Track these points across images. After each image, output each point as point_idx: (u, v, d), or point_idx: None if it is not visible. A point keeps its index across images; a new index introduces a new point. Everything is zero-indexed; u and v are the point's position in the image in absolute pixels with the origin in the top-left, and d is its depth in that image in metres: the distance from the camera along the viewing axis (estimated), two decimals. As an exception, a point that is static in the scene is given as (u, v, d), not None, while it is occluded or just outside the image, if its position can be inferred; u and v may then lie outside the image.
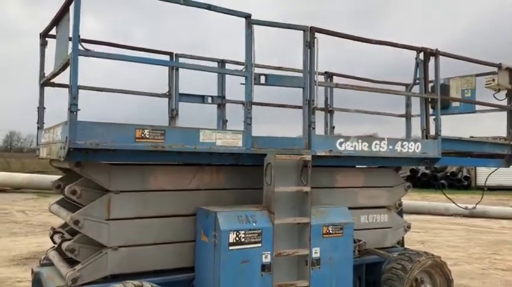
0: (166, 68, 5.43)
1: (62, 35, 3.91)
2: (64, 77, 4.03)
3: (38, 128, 4.58)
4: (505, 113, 6.01)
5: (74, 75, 3.20)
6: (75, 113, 3.19)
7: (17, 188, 19.92)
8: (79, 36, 3.23)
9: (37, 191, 19.25)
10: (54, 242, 4.20)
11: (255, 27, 3.94)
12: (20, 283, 6.13)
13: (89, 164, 3.53)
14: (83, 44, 3.31)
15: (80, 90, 4.50)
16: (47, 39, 4.60)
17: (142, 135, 3.42)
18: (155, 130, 3.47)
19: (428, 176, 25.34)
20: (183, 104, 5.58)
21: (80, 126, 3.21)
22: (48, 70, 4.51)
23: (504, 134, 6.05)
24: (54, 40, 4.33)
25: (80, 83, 4.56)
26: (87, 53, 3.29)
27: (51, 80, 4.34)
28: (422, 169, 25.10)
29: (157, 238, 3.81)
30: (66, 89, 4.51)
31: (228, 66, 5.69)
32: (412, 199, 16.88)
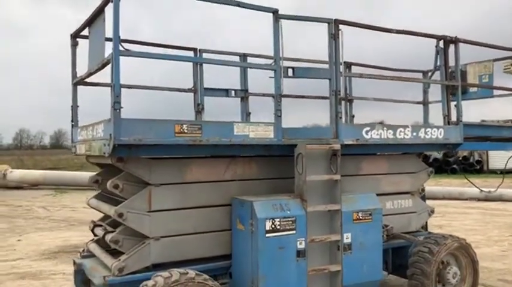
0: (190, 64, 5.56)
1: (96, 35, 4.06)
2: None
3: (73, 126, 4.74)
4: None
5: (116, 74, 3.35)
6: (118, 110, 3.35)
7: (34, 185, 20.26)
8: (119, 37, 3.38)
9: (54, 187, 19.57)
10: (95, 235, 4.38)
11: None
12: (55, 276, 6.35)
13: (130, 159, 3.69)
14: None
15: (105, 88, 4.71)
16: (77, 39, 4.77)
17: (181, 130, 3.58)
18: (193, 125, 3.63)
19: (440, 161, 25.37)
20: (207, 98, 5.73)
21: (124, 123, 3.36)
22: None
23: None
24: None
25: (103, 80, 4.77)
26: (128, 53, 3.44)
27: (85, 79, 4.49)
28: (434, 154, 25.13)
29: (195, 227, 3.97)
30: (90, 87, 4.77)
31: (249, 59, 5.83)
32: (426, 185, 16.94)
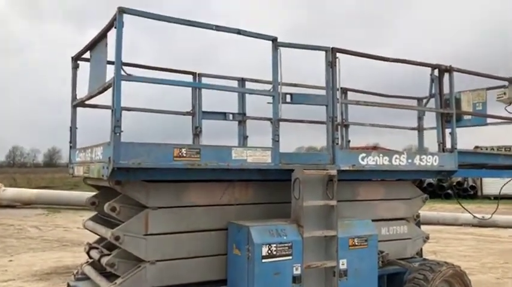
0: (189, 87, 5.63)
1: (97, 58, 4.12)
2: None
3: (71, 147, 4.77)
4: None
5: (117, 98, 3.40)
6: (118, 134, 3.38)
7: (27, 204, 20.07)
8: (122, 61, 3.44)
9: (47, 206, 19.40)
10: (90, 257, 4.35)
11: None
12: (47, 298, 6.26)
13: (128, 182, 3.71)
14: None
15: (105, 110, 4.76)
16: (78, 62, 4.83)
17: (180, 154, 3.61)
18: (192, 149, 3.67)
19: (434, 186, 25.40)
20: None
21: (123, 147, 3.40)
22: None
23: (508, 143, 6.25)
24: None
25: (103, 102, 4.81)
26: (129, 78, 3.50)
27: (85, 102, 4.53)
28: (428, 179, 25.21)
29: (191, 251, 3.97)
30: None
31: (247, 84, 5.91)
32: (420, 210, 16.96)
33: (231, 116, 5.89)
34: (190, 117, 5.64)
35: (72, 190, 22.19)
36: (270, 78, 4.14)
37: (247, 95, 5.96)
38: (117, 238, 3.65)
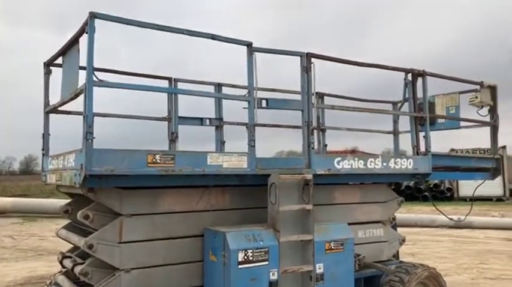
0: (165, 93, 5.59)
1: (70, 64, 4.06)
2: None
3: (44, 154, 4.67)
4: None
5: (89, 105, 3.35)
6: (90, 141, 3.33)
7: (1, 213, 19.58)
8: (93, 67, 3.39)
9: (22, 215, 18.96)
10: (64, 267, 4.27)
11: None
12: (20, 309, 6.11)
13: (101, 190, 3.65)
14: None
15: (79, 116, 4.70)
16: (50, 68, 4.75)
17: (154, 160, 3.57)
18: (166, 155, 3.63)
19: (412, 188, 25.76)
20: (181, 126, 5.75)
21: (96, 154, 3.34)
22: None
23: (482, 145, 6.38)
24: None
25: (78, 108, 4.74)
26: (101, 84, 3.45)
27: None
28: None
29: (167, 259, 3.92)
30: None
31: (224, 89, 5.91)
32: (398, 212, 17.16)
33: (207, 121, 5.87)
34: (167, 122, 5.60)
35: (49, 198, 21.76)
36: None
37: (224, 100, 5.96)
38: (90, 247, 3.59)
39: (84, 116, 3.37)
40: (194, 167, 3.76)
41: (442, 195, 26.32)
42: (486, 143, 6.60)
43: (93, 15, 3.37)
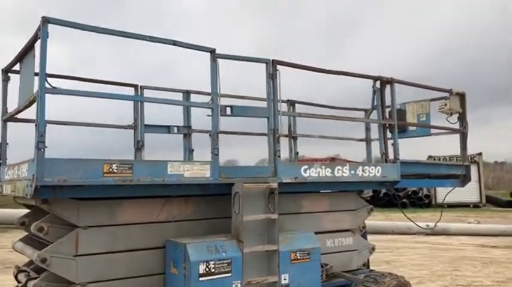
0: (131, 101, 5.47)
1: (26, 71, 3.93)
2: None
3: (0, 164, 4.51)
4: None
5: (41, 112, 3.22)
6: (42, 150, 3.20)
7: (-28, 224, 18.99)
8: (46, 73, 3.27)
9: (-7, 225, 18.43)
10: (19, 282, 4.09)
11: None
12: (-20, 325, 5.85)
13: (56, 201, 3.51)
14: (48, 79, 3.36)
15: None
16: (9, 74, 4.60)
17: (110, 169, 3.45)
18: (123, 164, 3.51)
19: (390, 195, 25.91)
20: (149, 134, 5.63)
21: (48, 163, 3.21)
22: (10, 105, 4.51)
23: (458, 152, 6.39)
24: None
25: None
26: (54, 91, 3.32)
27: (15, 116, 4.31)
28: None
29: (127, 272, 3.79)
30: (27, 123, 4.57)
31: (192, 96, 5.81)
32: (376, 219, 17.25)
33: (175, 129, 5.76)
34: (133, 131, 5.48)
35: (19, 208, 21.20)
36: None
37: (194, 108, 5.86)
38: (43, 260, 3.44)
39: (36, 125, 3.24)
40: (153, 177, 3.64)
41: (420, 202, 26.56)
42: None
43: (46, 20, 3.25)
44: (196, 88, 5.84)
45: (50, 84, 3.31)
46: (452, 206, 24.14)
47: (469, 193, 25.15)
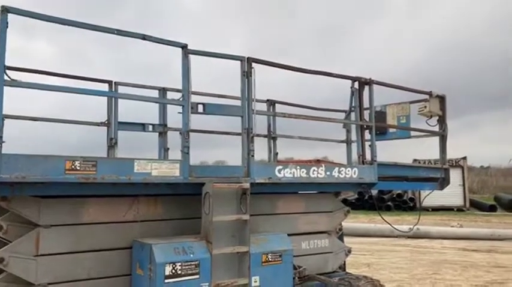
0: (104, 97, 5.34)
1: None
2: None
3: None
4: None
5: (-2, 106, 3.08)
6: (-1, 145, 3.06)
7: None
8: (5, 65, 3.13)
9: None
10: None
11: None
12: None
13: (16, 198, 3.37)
14: (9, 72, 3.23)
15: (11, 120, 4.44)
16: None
17: (73, 167, 3.32)
18: (86, 161, 3.38)
19: (375, 198, 25.96)
20: (125, 133, 5.50)
21: (5, 159, 3.07)
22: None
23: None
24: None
25: (11, 111, 4.47)
26: (13, 83, 3.19)
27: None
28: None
29: (90, 272, 3.67)
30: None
31: (169, 93, 5.70)
32: (360, 222, 17.25)
33: (150, 127, 5.64)
34: (106, 128, 5.34)
35: None
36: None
37: (169, 105, 5.74)
38: (1, 260, 3.30)
39: (-8, 119, 3.10)
40: (119, 175, 3.52)
41: (405, 205, 26.61)
42: (449, 153, 6.56)
43: (5, 9, 3.11)
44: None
45: (9, 77, 3.17)
46: (437, 209, 24.29)
47: (454, 196, 25.34)
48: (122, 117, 5.40)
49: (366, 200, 25.33)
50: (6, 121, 4.06)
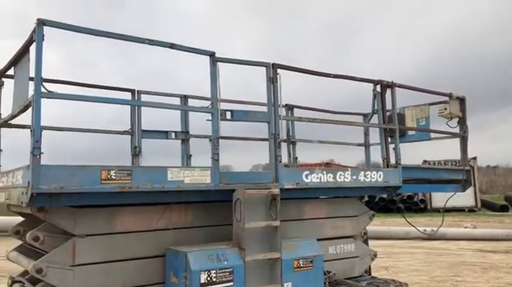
0: (128, 106, 5.38)
1: (21, 75, 3.81)
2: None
3: (-6, 171, 4.38)
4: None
5: (36, 118, 3.12)
6: (38, 156, 3.09)
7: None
8: (42, 77, 3.17)
9: (-14, 234, 18.17)
10: (14, 293, 3.96)
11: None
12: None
13: (52, 209, 3.40)
14: (44, 84, 3.26)
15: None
16: (3, 79, 4.50)
17: (109, 176, 3.34)
18: (122, 171, 3.40)
19: (386, 200, 25.90)
20: (146, 140, 5.53)
21: (44, 170, 3.10)
22: (4, 111, 4.40)
23: (452, 156, 6.34)
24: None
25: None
26: (50, 95, 3.22)
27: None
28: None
29: (125, 281, 3.68)
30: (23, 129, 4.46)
31: (190, 101, 5.73)
32: (373, 225, 17.16)
33: (173, 134, 5.67)
34: (130, 137, 5.37)
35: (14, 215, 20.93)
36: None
37: (191, 113, 5.77)
38: (39, 271, 3.32)
39: (31, 130, 3.13)
40: (153, 183, 3.54)
41: (416, 206, 26.54)
42: (458, 154, 6.56)
43: (41, 22, 3.15)
44: (194, 93, 5.78)
45: (46, 89, 3.21)
46: (448, 210, 24.17)
47: (465, 197, 25.16)
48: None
49: (376, 202, 25.28)
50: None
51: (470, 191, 26.61)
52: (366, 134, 6.75)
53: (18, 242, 4.31)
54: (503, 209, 27.39)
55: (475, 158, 26.84)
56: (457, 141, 6.42)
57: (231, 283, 3.68)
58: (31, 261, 3.48)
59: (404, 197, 26.53)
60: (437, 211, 25.13)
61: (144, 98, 5.40)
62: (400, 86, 5.33)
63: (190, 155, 5.75)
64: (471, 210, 26.22)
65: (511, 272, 9.19)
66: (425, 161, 22.48)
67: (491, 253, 11.83)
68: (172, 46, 3.74)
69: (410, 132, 6.67)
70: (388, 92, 5.27)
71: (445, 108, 6.26)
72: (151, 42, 3.66)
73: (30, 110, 3.38)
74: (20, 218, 4.33)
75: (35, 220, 3.76)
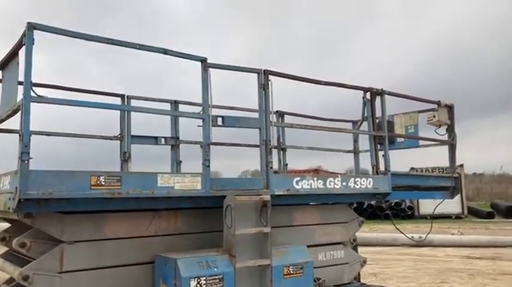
0: (118, 111, 5.34)
1: (9, 78, 3.77)
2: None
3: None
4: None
5: (25, 122, 3.08)
6: (26, 161, 3.05)
7: None
8: (31, 81, 3.13)
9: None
10: (-1, 300, 3.89)
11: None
12: None
13: (40, 215, 3.34)
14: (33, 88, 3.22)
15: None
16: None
17: (98, 182, 3.31)
18: (111, 176, 3.37)
19: (374, 207, 26.00)
20: (136, 145, 5.49)
21: (32, 175, 3.06)
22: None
23: (439, 163, 6.39)
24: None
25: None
26: (40, 100, 3.19)
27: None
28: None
29: None
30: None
31: (181, 106, 5.71)
32: (361, 231, 17.21)
33: (163, 140, 5.64)
34: (119, 142, 5.33)
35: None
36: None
37: (181, 118, 5.76)
38: (25, 278, 3.27)
39: (19, 135, 3.09)
40: (143, 189, 3.51)
41: (403, 213, 26.67)
42: (445, 161, 6.62)
43: (31, 26, 3.12)
44: (184, 98, 5.76)
45: (35, 93, 3.17)
46: (435, 217, 24.29)
47: (452, 204, 25.37)
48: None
49: (364, 209, 25.37)
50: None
51: (457, 198, 26.77)
52: (355, 141, 6.79)
53: (4, 249, 4.24)
54: (489, 216, 27.65)
55: (461, 166, 27.08)
56: (444, 149, 6.49)
57: (221, 290, 3.65)
58: (17, 268, 3.42)
59: (392, 204, 26.67)
60: (424, 217, 25.29)
61: (134, 103, 5.37)
62: (390, 93, 5.37)
63: (180, 161, 5.72)
64: (458, 217, 26.43)
65: (497, 279, 9.27)
66: (412, 169, 22.60)
67: (478, 260, 11.92)
68: (165, 52, 3.73)
69: (399, 140, 6.72)
70: (378, 99, 5.32)
71: (434, 116, 6.32)
72: (142, 47, 3.64)
73: (18, 114, 3.36)
74: (6, 224, 4.25)
75: (21, 226, 3.70)
